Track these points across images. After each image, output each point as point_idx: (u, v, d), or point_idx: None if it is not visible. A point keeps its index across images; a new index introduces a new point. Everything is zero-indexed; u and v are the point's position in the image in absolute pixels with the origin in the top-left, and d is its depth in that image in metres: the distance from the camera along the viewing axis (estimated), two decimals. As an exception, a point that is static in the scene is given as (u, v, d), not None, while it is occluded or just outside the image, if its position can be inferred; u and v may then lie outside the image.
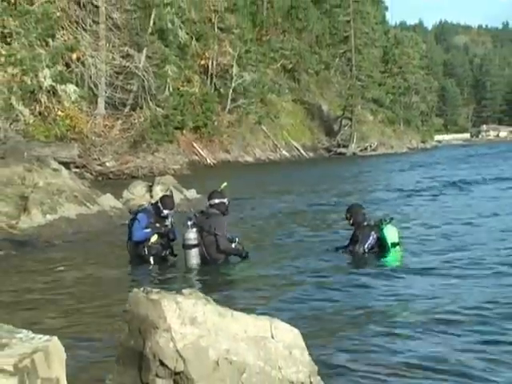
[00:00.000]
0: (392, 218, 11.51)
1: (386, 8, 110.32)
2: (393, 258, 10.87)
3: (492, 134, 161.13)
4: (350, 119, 74.40)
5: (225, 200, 10.83)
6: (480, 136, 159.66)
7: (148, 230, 11.12)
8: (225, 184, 11.74)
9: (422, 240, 13.14)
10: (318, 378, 4.08)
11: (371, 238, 10.93)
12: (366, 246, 10.90)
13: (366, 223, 11.14)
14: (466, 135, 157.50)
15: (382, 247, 10.96)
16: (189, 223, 10.55)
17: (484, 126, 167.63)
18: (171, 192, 17.82)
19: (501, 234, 13.65)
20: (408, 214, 18.09)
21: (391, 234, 10.92)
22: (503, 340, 6.66)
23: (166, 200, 11.68)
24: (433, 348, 6.49)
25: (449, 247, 12.09)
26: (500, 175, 30.91)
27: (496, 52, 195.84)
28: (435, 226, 15.32)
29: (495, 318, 7.35)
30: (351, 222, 11.32)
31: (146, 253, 11.15)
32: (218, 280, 9.86)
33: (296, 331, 4.16)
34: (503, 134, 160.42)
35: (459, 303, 8.05)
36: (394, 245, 10.88)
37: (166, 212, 11.30)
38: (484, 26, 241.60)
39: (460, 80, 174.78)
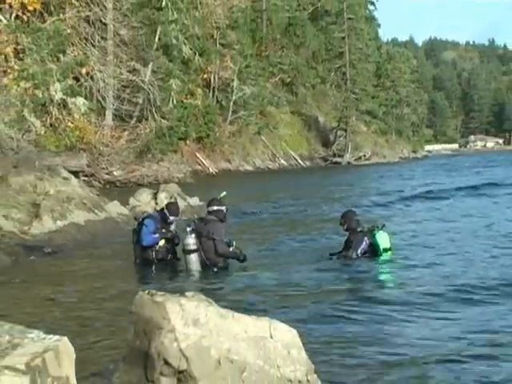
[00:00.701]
0: (384, 225, 11.55)
1: (379, 25, 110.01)
2: (384, 261, 10.91)
3: (479, 144, 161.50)
4: (345, 130, 74.46)
5: (223, 208, 10.87)
6: (468, 146, 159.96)
7: (156, 235, 11.16)
8: (224, 193, 11.79)
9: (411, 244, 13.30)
10: (315, 376, 4.08)
11: (364, 243, 10.97)
12: (358, 251, 10.94)
13: (359, 229, 11.18)
14: (455, 145, 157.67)
15: (374, 252, 10.98)
16: (188, 229, 10.59)
17: (472, 137, 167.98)
18: (176, 199, 17.81)
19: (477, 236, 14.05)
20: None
21: (383, 239, 10.96)
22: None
23: (172, 207, 11.70)
24: (424, 339, 6.53)
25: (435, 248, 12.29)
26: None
27: (483, 67, 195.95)
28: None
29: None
30: (345, 227, 11.35)
31: (154, 256, 11.18)
32: (219, 283, 9.85)
33: (294, 331, 4.16)
34: (490, 144, 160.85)
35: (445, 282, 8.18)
36: (386, 250, 10.94)
37: (171, 218, 11.34)
38: (471, 43, 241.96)
39: (449, 93, 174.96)
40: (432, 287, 9.05)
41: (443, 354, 6.21)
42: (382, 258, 10.94)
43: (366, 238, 10.99)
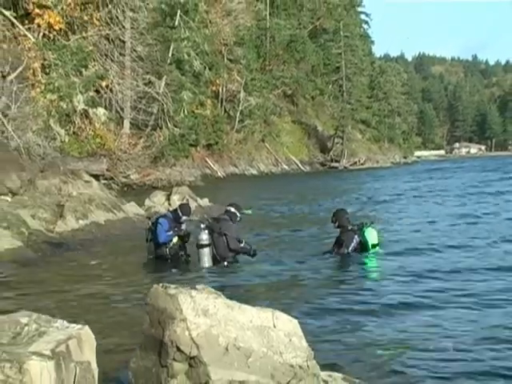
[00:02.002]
0: (372, 222, 11.56)
1: (373, 42, 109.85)
2: (373, 256, 10.93)
3: (464, 150, 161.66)
4: (342, 137, 74.48)
5: (238, 213, 10.90)
6: (453, 152, 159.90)
7: (170, 233, 11.17)
8: (250, 211, 11.85)
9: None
10: (314, 361, 4.07)
11: (354, 240, 10.96)
12: (350, 248, 10.92)
13: (349, 227, 11.14)
14: (442, 152, 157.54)
15: (363, 248, 10.98)
16: (202, 226, 10.67)
17: (457, 144, 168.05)
18: (188, 201, 17.81)
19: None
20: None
21: (372, 236, 10.97)
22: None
23: (184, 207, 11.71)
24: (413, 326, 6.53)
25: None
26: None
27: (467, 80, 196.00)
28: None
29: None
30: (336, 224, 11.31)
31: (167, 253, 11.19)
32: (227, 277, 9.85)
33: (295, 321, 4.15)
34: (473, 150, 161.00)
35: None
36: (374, 245, 10.95)
37: (184, 218, 11.35)
38: (456, 58, 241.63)
39: (436, 104, 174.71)
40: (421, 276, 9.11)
41: (438, 338, 6.22)
42: (371, 252, 10.95)
43: (356, 236, 10.97)
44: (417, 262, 10.59)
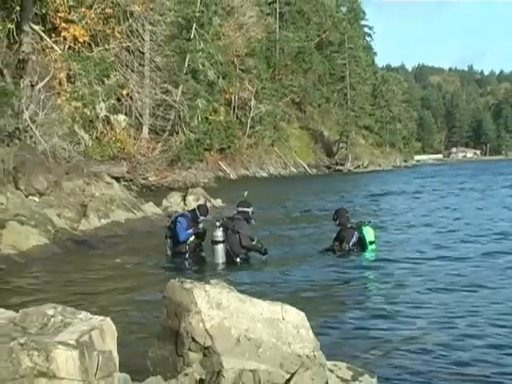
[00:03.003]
0: (370, 221, 11.63)
1: (375, 53, 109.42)
2: (369, 252, 10.95)
3: (460, 155, 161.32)
4: (346, 142, 74.35)
5: (249, 210, 10.91)
6: (451, 157, 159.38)
7: (190, 231, 11.17)
8: (246, 192, 11.87)
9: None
10: (320, 352, 4.07)
11: (354, 237, 11.03)
12: (350, 244, 11.00)
13: (349, 225, 11.18)
14: (440, 156, 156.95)
15: (361, 244, 10.99)
16: (217, 224, 10.67)
17: (454, 149, 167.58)
18: (205, 201, 17.80)
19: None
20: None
21: (369, 234, 11.02)
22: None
23: (202, 208, 11.70)
24: (417, 327, 6.51)
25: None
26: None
27: (463, 89, 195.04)
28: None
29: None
30: (337, 222, 11.36)
31: (185, 250, 11.19)
32: (239, 272, 9.85)
33: (302, 314, 4.15)
34: (469, 155, 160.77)
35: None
36: (371, 242, 11.01)
37: (201, 218, 11.35)
38: (453, 68, 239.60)
39: (434, 111, 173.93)
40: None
41: (438, 331, 6.20)
42: (369, 249, 10.98)
43: (355, 233, 11.05)
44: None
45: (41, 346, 3.05)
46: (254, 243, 10.68)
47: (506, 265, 9.85)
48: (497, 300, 7.57)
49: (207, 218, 11.51)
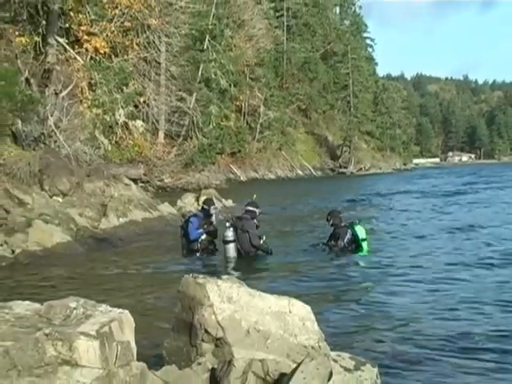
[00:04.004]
0: (360, 220, 11.69)
1: (376, 63, 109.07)
2: (363, 248, 10.93)
3: (456, 158, 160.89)
4: (349, 147, 74.12)
5: (256, 210, 10.92)
6: (447, 160, 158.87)
7: (200, 231, 11.19)
8: (255, 196, 11.86)
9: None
10: (325, 343, 4.06)
11: (348, 235, 11.03)
12: (345, 241, 11.01)
13: (342, 224, 11.19)
14: (437, 159, 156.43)
15: (354, 241, 11.00)
16: (227, 224, 10.68)
17: (450, 153, 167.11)
18: (217, 202, 17.78)
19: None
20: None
21: (361, 231, 11.03)
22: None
23: (208, 201, 11.80)
24: (414, 310, 6.50)
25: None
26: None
27: (459, 97, 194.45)
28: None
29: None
30: (331, 223, 11.36)
31: (198, 247, 11.21)
32: (248, 269, 9.86)
33: (308, 307, 4.15)
34: (464, 158, 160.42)
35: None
36: (363, 240, 10.99)
37: (212, 209, 11.39)
38: (450, 78, 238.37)
39: (432, 118, 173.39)
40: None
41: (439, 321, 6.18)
42: (361, 245, 10.94)
43: (349, 231, 11.06)
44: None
45: (64, 336, 3.07)
46: (261, 242, 10.70)
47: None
48: (499, 283, 7.58)
49: (217, 208, 11.52)
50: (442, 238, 12.94)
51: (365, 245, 10.95)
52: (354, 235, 10.98)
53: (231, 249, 10.52)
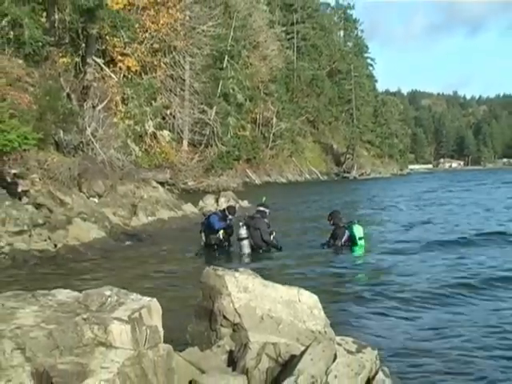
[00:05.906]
0: (358, 220, 11.53)
1: (376, 80, 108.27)
2: (360, 246, 10.84)
3: (447, 165, 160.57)
4: (352, 154, 73.93)
5: (266, 210, 10.92)
6: (439, 166, 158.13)
7: (222, 223, 11.18)
8: (264, 198, 11.85)
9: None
10: (330, 328, 4.06)
11: (346, 235, 10.94)
12: (342, 240, 10.94)
13: (341, 224, 11.10)
14: (430, 166, 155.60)
15: (352, 240, 10.91)
16: (240, 223, 10.72)
17: (441, 160, 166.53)
18: (235, 203, 17.79)
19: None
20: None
21: (358, 231, 10.92)
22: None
23: (231, 209, 11.72)
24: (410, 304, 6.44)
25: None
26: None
27: (449, 111, 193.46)
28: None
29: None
30: (332, 222, 11.28)
31: (215, 242, 11.22)
32: (262, 262, 9.85)
33: (315, 297, 4.14)
34: (454, 165, 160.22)
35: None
36: (360, 238, 10.90)
37: (230, 217, 11.36)
38: (441, 93, 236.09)
39: (425, 129, 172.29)
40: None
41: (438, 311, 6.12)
42: (358, 244, 10.82)
43: (346, 231, 10.96)
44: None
45: (100, 321, 3.09)
46: (272, 237, 10.70)
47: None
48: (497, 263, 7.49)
49: (235, 216, 11.52)
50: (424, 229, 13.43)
51: (362, 243, 10.87)
52: (352, 234, 10.88)
53: (246, 245, 10.56)
